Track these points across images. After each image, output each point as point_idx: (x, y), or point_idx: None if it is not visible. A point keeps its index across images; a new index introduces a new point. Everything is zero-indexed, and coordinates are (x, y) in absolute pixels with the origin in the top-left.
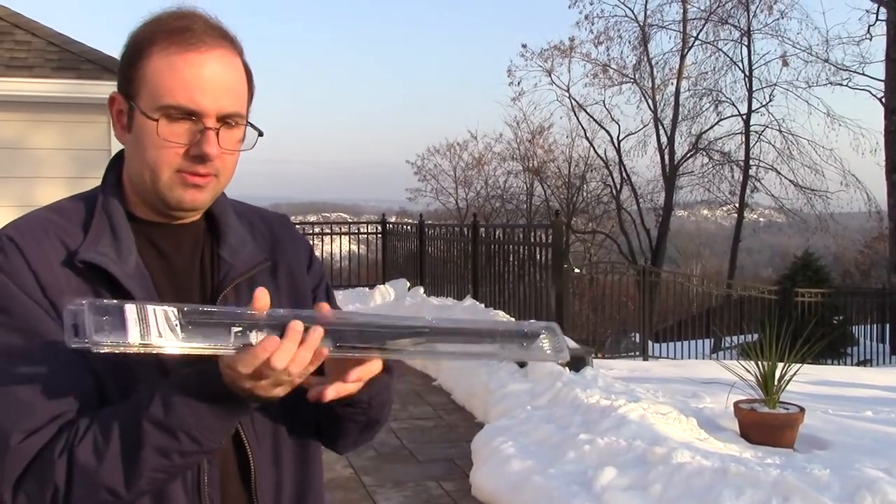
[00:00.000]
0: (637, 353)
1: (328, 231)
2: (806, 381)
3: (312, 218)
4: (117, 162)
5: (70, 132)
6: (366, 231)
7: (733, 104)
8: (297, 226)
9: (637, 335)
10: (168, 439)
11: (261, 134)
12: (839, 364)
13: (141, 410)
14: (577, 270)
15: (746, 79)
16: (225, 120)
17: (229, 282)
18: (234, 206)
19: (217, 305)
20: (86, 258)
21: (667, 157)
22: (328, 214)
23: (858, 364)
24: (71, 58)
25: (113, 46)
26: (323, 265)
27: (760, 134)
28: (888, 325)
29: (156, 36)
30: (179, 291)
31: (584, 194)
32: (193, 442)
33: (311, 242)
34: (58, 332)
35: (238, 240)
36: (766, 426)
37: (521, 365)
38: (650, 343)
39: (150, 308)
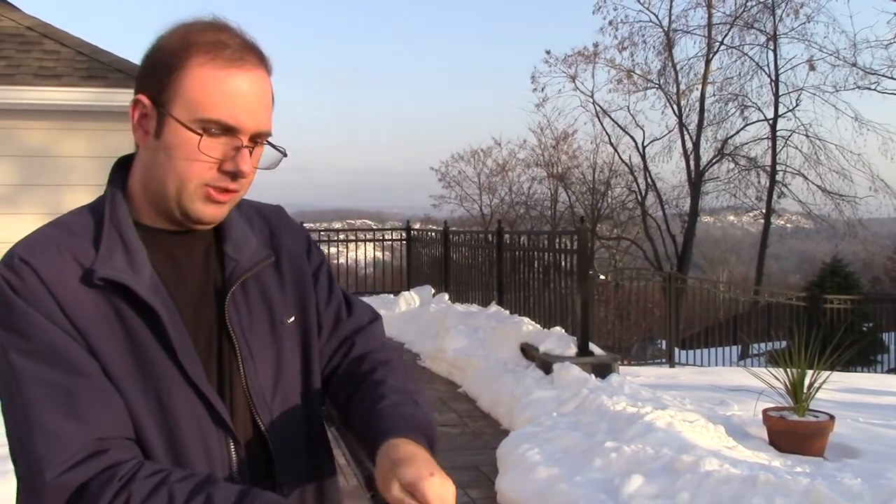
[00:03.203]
0: (663, 360)
1: (353, 238)
2: (835, 388)
3: (337, 225)
4: (122, 167)
5: (98, 140)
6: (391, 238)
7: (759, 109)
8: (322, 233)
9: (663, 342)
10: None
11: (285, 155)
12: (869, 372)
13: None
14: (602, 277)
15: (773, 83)
16: (255, 138)
17: (236, 278)
18: None
19: None
20: (104, 275)
21: (692, 162)
22: (353, 221)
23: (889, 372)
24: (99, 67)
25: (139, 55)
26: (321, 250)
27: (787, 139)
28: None
29: (196, 46)
30: (191, 297)
31: (609, 200)
32: None
33: (335, 249)
34: (82, 354)
35: (241, 236)
36: (795, 434)
37: (547, 371)
38: (676, 350)
39: None
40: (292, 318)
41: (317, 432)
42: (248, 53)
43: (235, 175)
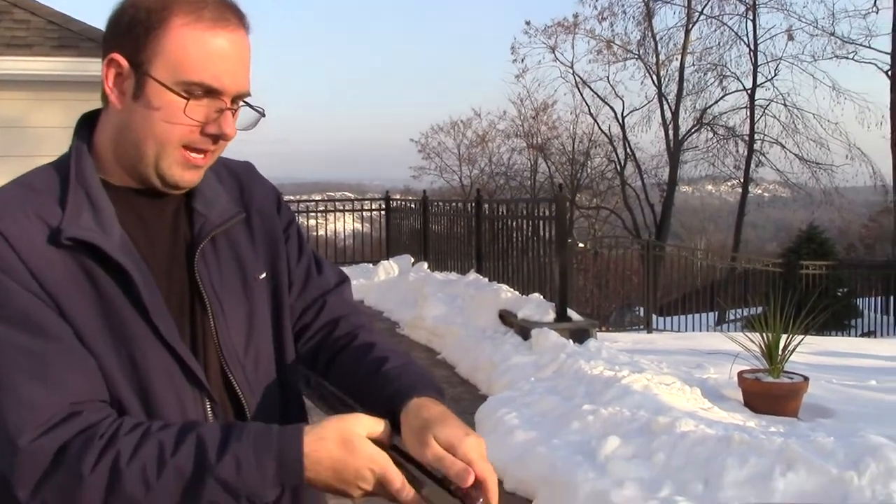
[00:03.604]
0: (641, 327)
1: (332, 209)
2: (810, 352)
3: (317, 196)
4: (87, 124)
5: (71, 110)
6: (370, 209)
7: (738, 79)
8: (302, 204)
9: (641, 309)
10: (228, 498)
11: (263, 115)
12: (843, 335)
13: (208, 463)
14: (581, 245)
15: (751, 53)
16: (236, 100)
17: (205, 235)
18: None
19: None
20: (72, 235)
21: (671, 132)
22: (333, 193)
23: (862, 336)
24: (71, 36)
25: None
26: (290, 208)
27: (765, 108)
28: (892, 298)
29: (176, 5)
30: (162, 256)
31: (589, 170)
32: (249, 502)
33: (314, 221)
34: (53, 318)
35: (211, 192)
36: (770, 395)
37: (525, 337)
38: (654, 317)
39: None
40: (263, 275)
41: (290, 389)
42: (228, 12)
43: (219, 138)
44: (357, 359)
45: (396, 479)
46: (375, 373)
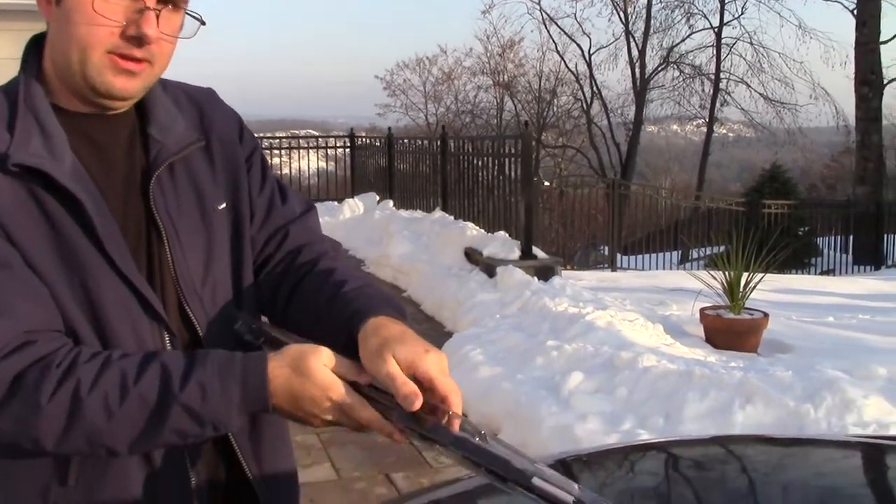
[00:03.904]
0: (605, 266)
1: (296, 146)
2: (771, 289)
3: (281, 134)
4: (36, 47)
5: (21, 41)
6: (334, 146)
7: (705, 17)
8: (265, 141)
9: (606, 248)
10: (193, 425)
11: (202, 23)
12: (803, 273)
13: (172, 390)
14: (546, 183)
15: None
16: (166, 1)
17: (161, 161)
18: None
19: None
20: (20, 161)
21: (638, 70)
22: (297, 132)
23: (822, 274)
24: None
25: None
26: (254, 136)
27: (732, 47)
28: (851, 237)
29: None
30: (117, 184)
31: (555, 109)
32: (216, 430)
33: (278, 159)
34: (3, 246)
35: (167, 117)
36: (730, 331)
37: (491, 275)
38: (619, 255)
39: None
40: (223, 205)
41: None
42: None
43: (140, 40)
44: (318, 285)
45: (358, 406)
46: (334, 296)
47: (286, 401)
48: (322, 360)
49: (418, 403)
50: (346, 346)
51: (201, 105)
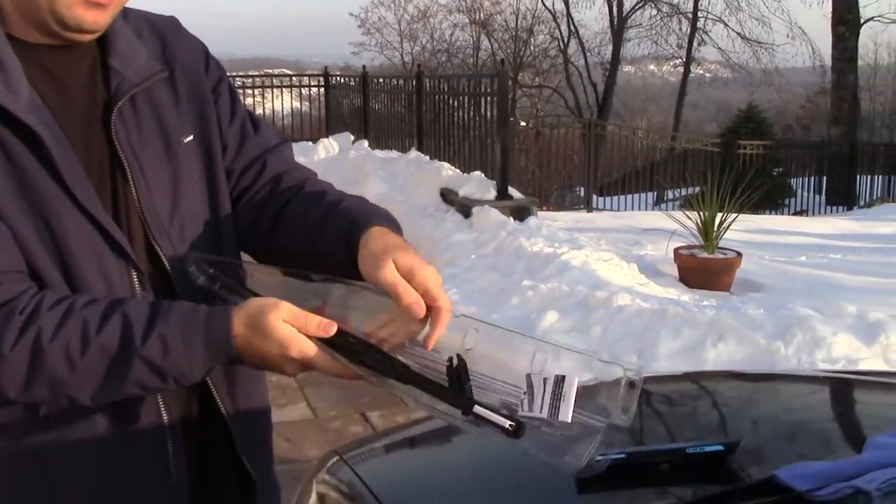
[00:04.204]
0: (581, 207)
1: (269, 85)
2: (744, 229)
3: (254, 73)
4: None
5: None
6: (308, 84)
7: None
8: (238, 80)
9: (582, 189)
10: (155, 379)
11: None
12: (777, 214)
13: (133, 344)
14: (522, 124)
15: None
16: None
17: (123, 94)
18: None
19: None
20: None
21: (615, 8)
22: (270, 70)
23: (795, 214)
24: None
25: None
26: (221, 65)
27: None
28: (825, 177)
29: None
30: (78, 118)
31: (532, 48)
32: (178, 383)
33: (251, 99)
34: None
35: (128, 48)
36: (704, 270)
37: (466, 215)
38: (594, 196)
39: None
40: (190, 138)
41: (228, 256)
42: None
43: None
44: (307, 206)
45: (320, 360)
46: (330, 213)
47: (250, 356)
48: (281, 316)
49: (421, 312)
50: (343, 263)
51: (164, 35)
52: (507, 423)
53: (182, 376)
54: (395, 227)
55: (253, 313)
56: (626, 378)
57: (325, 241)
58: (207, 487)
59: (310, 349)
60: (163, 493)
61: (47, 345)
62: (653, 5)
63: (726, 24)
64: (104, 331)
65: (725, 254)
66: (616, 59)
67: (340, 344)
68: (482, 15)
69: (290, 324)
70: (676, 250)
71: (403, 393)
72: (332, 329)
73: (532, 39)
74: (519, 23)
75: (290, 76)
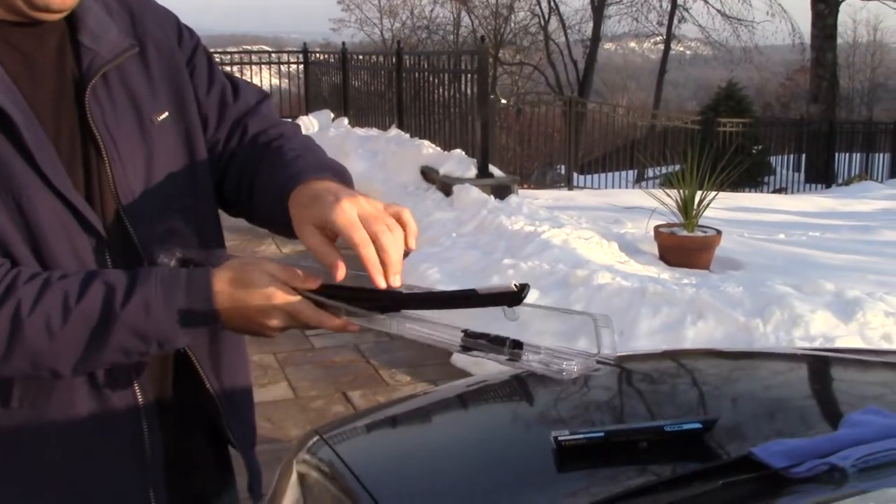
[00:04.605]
0: (562, 185)
1: (248, 62)
2: (724, 207)
3: (233, 49)
4: None
5: None
6: (287, 62)
7: None
8: (216, 57)
9: (563, 168)
10: (138, 343)
11: None
12: (756, 192)
13: (115, 308)
14: (503, 101)
15: None
16: None
17: (95, 71)
18: None
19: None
20: None
21: None
22: (249, 47)
23: (774, 192)
24: None
25: None
26: (194, 33)
27: None
28: (804, 155)
29: None
30: (47, 96)
31: (512, 25)
32: (161, 347)
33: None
34: None
35: (98, 24)
36: (683, 248)
37: (447, 193)
38: (575, 175)
39: None
40: (165, 115)
41: (209, 235)
42: None
43: None
44: (271, 167)
45: (304, 310)
46: (271, 175)
47: (233, 314)
48: (266, 267)
49: (340, 272)
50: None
51: (132, 9)
52: (512, 285)
53: (165, 339)
54: (330, 169)
55: (237, 267)
56: (597, 323)
57: (274, 198)
58: (184, 468)
59: (295, 297)
60: (137, 473)
61: (26, 317)
62: None
63: (706, 1)
64: (84, 298)
65: (705, 232)
66: (597, 37)
67: (326, 295)
68: None
69: (275, 275)
70: (656, 228)
71: (397, 322)
72: (317, 282)
73: (513, 16)
74: None
75: (269, 52)
